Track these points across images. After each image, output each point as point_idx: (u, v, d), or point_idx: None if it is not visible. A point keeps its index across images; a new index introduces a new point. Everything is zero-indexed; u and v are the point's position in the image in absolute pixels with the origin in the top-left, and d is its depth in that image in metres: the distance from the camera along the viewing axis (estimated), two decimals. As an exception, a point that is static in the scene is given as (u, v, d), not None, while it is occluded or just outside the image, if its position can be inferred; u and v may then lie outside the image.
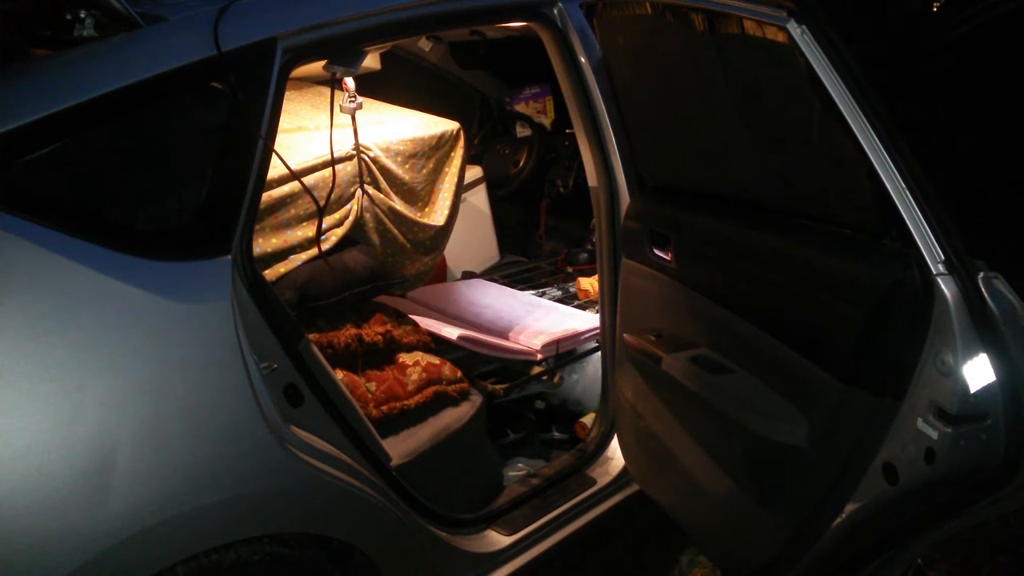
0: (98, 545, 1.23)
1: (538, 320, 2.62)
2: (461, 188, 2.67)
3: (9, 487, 1.16)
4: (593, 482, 2.24)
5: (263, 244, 2.07)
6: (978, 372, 1.31)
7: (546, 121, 3.56)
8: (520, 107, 3.61)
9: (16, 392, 1.18)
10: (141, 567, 1.30)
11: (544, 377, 2.56)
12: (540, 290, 3.04)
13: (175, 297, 1.31)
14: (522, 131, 3.53)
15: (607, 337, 2.24)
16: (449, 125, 2.60)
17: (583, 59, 2.04)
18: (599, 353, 2.37)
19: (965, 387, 1.31)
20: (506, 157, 3.51)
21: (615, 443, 2.30)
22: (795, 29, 1.41)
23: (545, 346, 2.45)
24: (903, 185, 1.34)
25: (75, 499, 1.21)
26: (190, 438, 1.32)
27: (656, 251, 1.96)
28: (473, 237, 3.35)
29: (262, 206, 1.99)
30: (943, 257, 1.33)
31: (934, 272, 1.33)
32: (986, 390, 1.31)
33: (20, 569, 1.18)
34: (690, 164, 1.93)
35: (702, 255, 1.86)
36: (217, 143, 1.44)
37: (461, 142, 2.62)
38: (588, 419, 2.51)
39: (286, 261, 2.11)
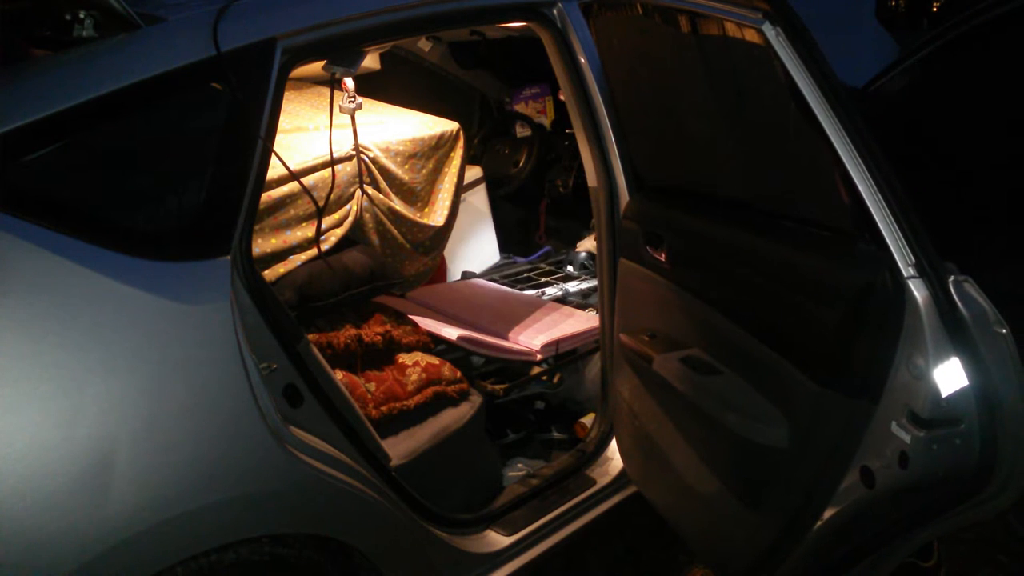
0: (98, 545, 1.23)
1: (538, 320, 2.62)
2: (461, 188, 2.67)
3: (9, 487, 1.16)
4: (593, 482, 2.24)
5: (262, 244, 2.07)
6: (950, 376, 1.30)
7: (546, 121, 3.56)
8: (520, 107, 3.60)
9: (16, 392, 1.18)
10: (141, 567, 1.30)
11: (544, 377, 2.56)
12: (540, 290, 3.04)
13: (174, 297, 1.31)
14: (522, 131, 3.53)
15: (606, 337, 2.24)
16: (449, 125, 2.60)
17: (583, 59, 2.04)
18: (599, 353, 2.37)
19: (936, 391, 1.30)
20: (506, 157, 3.51)
21: (615, 443, 2.30)
22: (770, 31, 1.41)
23: (545, 346, 2.45)
24: (875, 188, 1.34)
25: (75, 499, 1.21)
26: (189, 438, 1.32)
27: (651, 251, 1.96)
28: (473, 237, 3.35)
29: (261, 206, 1.99)
30: (913, 260, 1.32)
31: (905, 275, 1.33)
32: (959, 394, 1.30)
33: (20, 569, 1.18)
34: (681, 164, 1.94)
35: (692, 255, 1.87)
36: (216, 143, 1.44)
37: (461, 142, 2.62)
38: (588, 419, 2.51)
39: (285, 261, 2.11)
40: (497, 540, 2.02)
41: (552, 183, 3.46)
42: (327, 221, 2.21)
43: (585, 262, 3.24)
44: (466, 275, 3.29)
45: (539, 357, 2.46)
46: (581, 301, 2.93)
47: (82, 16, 1.40)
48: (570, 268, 3.25)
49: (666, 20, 1.67)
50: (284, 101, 1.55)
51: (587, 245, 3.28)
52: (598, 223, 2.18)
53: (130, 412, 1.26)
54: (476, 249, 3.38)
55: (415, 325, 2.33)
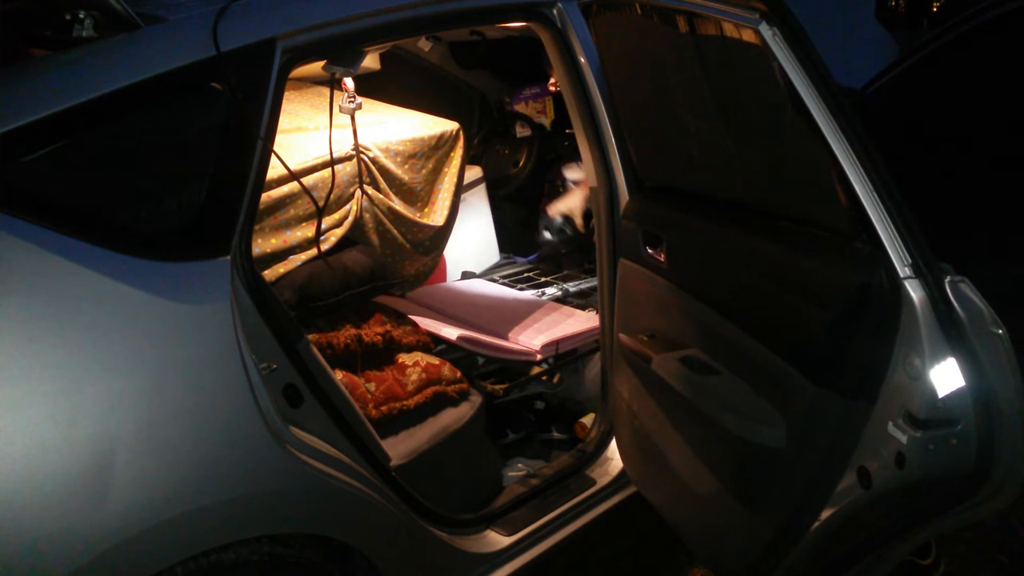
0: (98, 545, 1.23)
1: (538, 320, 2.62)
2: (461, 188, 2.67)
3: (9, 487, 1.17)
4: (593, 482, 2.24)
5: (262, 244, 2.07)
6: (946, 377, 1.30)
7: (546, 121, 3.56)
8: (520, 107, 3.60)
9: (16, 392, 1.18)
10: (141, 567, 1.30)
11: (544, 377, 2.56)
12: (540, 290, 3.04)
13: (175, 297, 1.31)
14: (522, 131, 3.53)
15: (606, 337, 2.24)
16: (448, 125, 2.60)
17: (583, 59, 2.04)
18: (599, 353, 2.37)
19: (933, 392, 1.30)
20: (506, 157, 3.51)
21: (615, 443, 2.30)
22: (767, 31, 1.40)
23: (545, 346, 2.45)
24: (871, 188, 1.34)
25: (75, 499, 1.21)
26: (189, 438, 1.32)
27: (650, 251, 1.96)
28: (473, 237, 3.35)
29: (261, 207, 1.99)
30: (910, 261, 1.32)
31: (901, 276, 1.33)
32: (956, 395, 1.30)
33: (20, 569, 1.18)
34: (680, 164, 1.94)
35: (690, 255, 1.87)
36: (216, 143, 1.44)
37: (461, 142, 2.63)
38: (588, 419, 2.51)
39: (285, 261, 2.12)
40: (497, 540, 2.02)
41: (552, 183, 3.46)
42: (327, 221, 2.21)
43: (563, 226, 3.11)
44: (466, 275, 3.29)
45: (539, 357, 2.47)
46: (581, 301, 2.93)
47: (82, 16, 1.40)
48: (547, 234, 3.16)
49: (665, 20, 1.67)
50: (284, 101, 1.55)
51: (560, 208, 3.13)
52: (598, 223, 2.18)
53: (130, 412, 1.26)
54: (476, 249, 3.38)
55: (415, 325, 2.33)
